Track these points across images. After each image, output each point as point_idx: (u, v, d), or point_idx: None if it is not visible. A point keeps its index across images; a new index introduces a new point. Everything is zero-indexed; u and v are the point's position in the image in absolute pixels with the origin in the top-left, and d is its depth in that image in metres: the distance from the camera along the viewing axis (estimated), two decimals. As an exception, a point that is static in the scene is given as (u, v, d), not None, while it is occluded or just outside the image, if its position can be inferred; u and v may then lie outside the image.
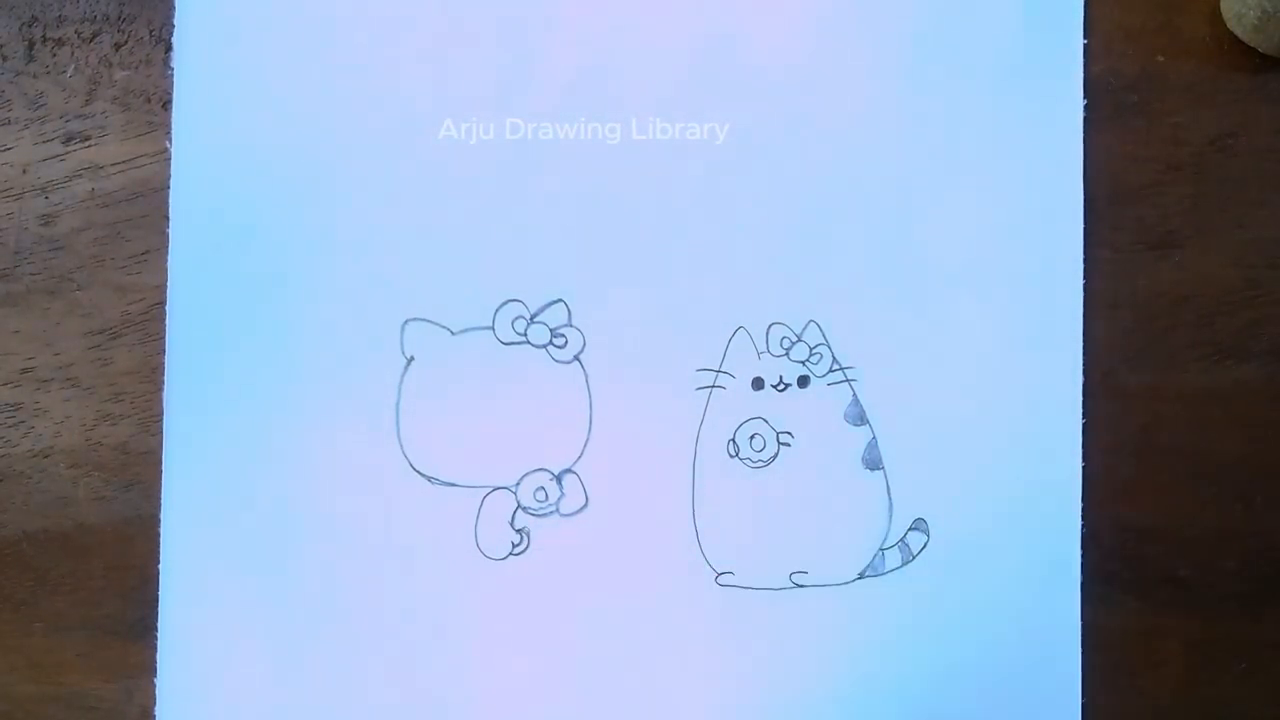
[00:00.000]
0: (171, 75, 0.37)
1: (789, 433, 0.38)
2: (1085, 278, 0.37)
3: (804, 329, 0.38)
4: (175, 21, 0.37)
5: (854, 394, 0.38)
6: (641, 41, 0.38)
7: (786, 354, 0.38)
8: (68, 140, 0.37)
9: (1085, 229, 0.38)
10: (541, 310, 0.37)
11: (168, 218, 0.37)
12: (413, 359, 0.37)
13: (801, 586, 0.37)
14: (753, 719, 0.37)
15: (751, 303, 0.38)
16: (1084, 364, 0.37)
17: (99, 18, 0.38)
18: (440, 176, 0.37)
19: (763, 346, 0.38)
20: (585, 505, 0.37)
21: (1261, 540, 0.38)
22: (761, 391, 0.38)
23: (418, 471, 0.37)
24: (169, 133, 0.37)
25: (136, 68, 0.38)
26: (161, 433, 0.37)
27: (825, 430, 0.38)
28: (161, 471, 0.37)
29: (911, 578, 0.37)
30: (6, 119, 0.37)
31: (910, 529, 0.37)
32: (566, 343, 0.37)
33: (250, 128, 0.37)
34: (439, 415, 0.37)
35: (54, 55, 0.38)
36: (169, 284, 0.37)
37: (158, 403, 0.37)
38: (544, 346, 0.37)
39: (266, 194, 0.37)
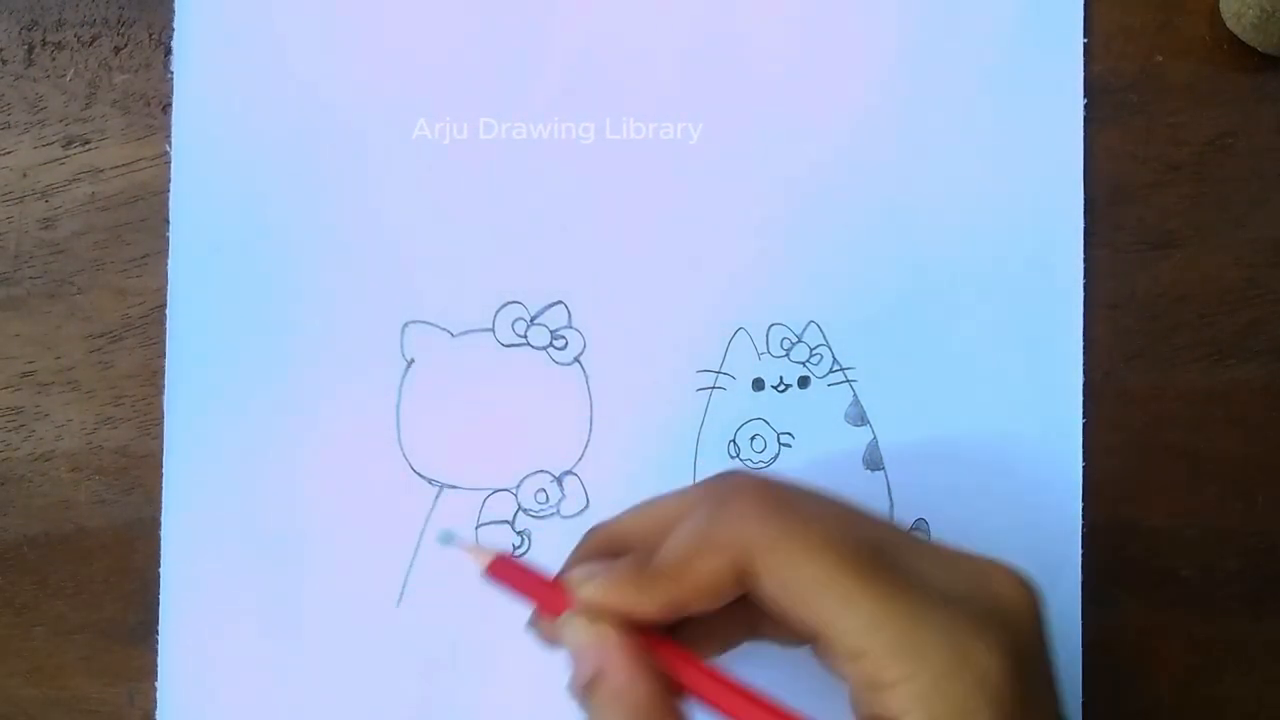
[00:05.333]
0: (171, 79, 0.37)
1: (790, 433, 0.38)
2: (1085, 278, 0.38)
3: (804, 330, 0.38)
4: (175, 25, 0.37)
5: (854, 395, 0.38)
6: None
7: (787, 355, 0.38)
8: (67, 144, 0.37)
9: (1085, 229, 0.38)
10: (542, 312, 0.37)
11: (168, 221, 0.37)
12: (413, 361, 0.37)
13: (802, 587, 0.37)
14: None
15: (751, 304, 0.38)
16: (1084, 364, 0.37)
17: (98, 21, 0.38)
18: (440, 178, 0.37)
19: (763, 347, 0.38)
20: (586, 507, 0.37)
21: (1262, 540, 0.38)
22: (762, 392, 0.38)
23: (418, 474, 0.37)
24: (169, 136, 0.37)
25: (136, 71, 0.38)
26: (162, 436, 0.37)
27: (826, 431, 0.38)
28: (162, 475, 0.37)
29: (912, 578, 0.37)
30: (6, 123, 0.37)
31: (911, 529, 0.37)
32: (567, 344, 0.37)
33: (250, 131, 0.37)
34: (439, 417, 0.37)
35: (53, 59, 0.38)
36: (169, 287, 0.37)
37: (158, 406, 0.37)
38: (544, 348, 0.37)
39: (266, 197, 0.37)
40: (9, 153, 0.37)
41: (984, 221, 0.38)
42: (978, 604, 0.26)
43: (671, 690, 0.28)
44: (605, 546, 0.31)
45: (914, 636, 0.25)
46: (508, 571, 0.30)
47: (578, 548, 0.32)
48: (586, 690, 0.28)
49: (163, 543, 0.37)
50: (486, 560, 0.31)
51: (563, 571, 0.31)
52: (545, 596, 0.29)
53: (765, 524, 0.27)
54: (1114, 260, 0.38)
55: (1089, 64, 0.38)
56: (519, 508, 0.37)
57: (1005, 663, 0.25)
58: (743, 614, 0.29)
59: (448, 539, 0.32)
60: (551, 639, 0.30)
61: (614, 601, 0.28)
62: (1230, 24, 0.37)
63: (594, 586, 0.28)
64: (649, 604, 0.27)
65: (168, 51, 0.37)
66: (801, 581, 0.26)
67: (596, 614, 0.28)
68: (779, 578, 0.26)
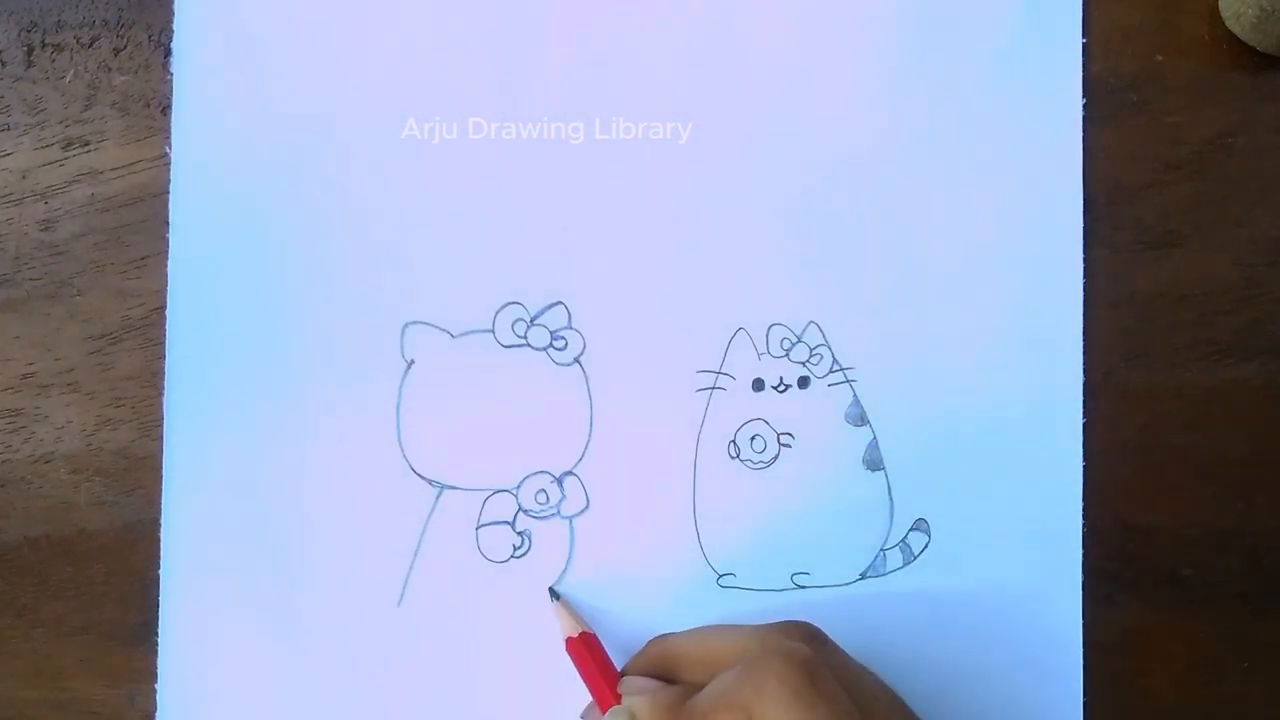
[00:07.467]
0: (170, 80, 0.37)
1: (790, 434, 0.38)
2: (1085, 278, 0.37)
3: (804, 330, 0.38)
4: (174, 26, 0.37)
5: (854, 395, 0.38)
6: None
7: (787, 355, 0.38)
8: (67, 145, 0.37)
9: (1085, 229, 0.38)
10: (541, 313, 0.38)
11: (167, 222, 0.37)
12: (413, 362, 0.37)
13: (803, 588, 0.37)
14: None
15: (751, 304, 0.38)
16: (1084, 364, 0.37)
17: (98, 23, 0.38)
18: (435, 178, 0.37)
19: (763, 348, 0.38)
20: (586, 507, 0.37)
21: (1262, 540, 0.38)
22: (762, 392, 0.38)
23: (419, 474, 0.37)
24: (168, 137, 0.37)
25: (136, 72, 0.38)
26: (162, 437, 0.37)
27: (826, 431, 0.38)
28: (162, 476, 0.37)
29: (913, 578, 0.37)
30: (6, 124, 0.37)
31: (911, 529, 0.37)
32: (567, 345, 0.37)
33: (250, 132, 0.37)
34: (440, 418, 0.37)
35: (53, 60, 0.38)
36: (169, 288, 0.37)
37: (158, 407, 0.37)
38: (544, 349, 0.37)
39: (266, 198, 0.37)
40: (9, 154, 0.37)
41: (984, 221, 0.38)
42: None
43: None
44: (662, 659, 0.35)
45: None
46: (582, 652, 0.35)
47: (640, 653, 0.36)
48: None
49: (163, 544, 0.37)
50: (573, 633, 0.35)
51: (624, 671, 0.35)
52: (601, 689, 0.34)
53: (772, 703, 0.28)
54: (1114, 260, 0.38)
55: (1089, 64, 0.38)
56: (519, 508, 0.37)
57: None
58: None
59: (554, 596, 0.37)
60: None
61: None
62: (1230, 24, 0.37)
63: (638, 704, 0.32)
64: None
65: (167, 53, 0.37)
66: None
67: None
68: None
